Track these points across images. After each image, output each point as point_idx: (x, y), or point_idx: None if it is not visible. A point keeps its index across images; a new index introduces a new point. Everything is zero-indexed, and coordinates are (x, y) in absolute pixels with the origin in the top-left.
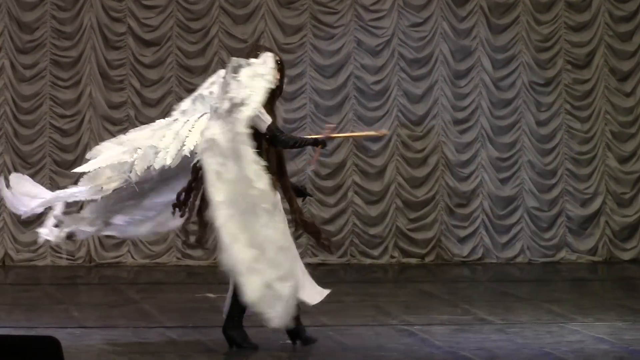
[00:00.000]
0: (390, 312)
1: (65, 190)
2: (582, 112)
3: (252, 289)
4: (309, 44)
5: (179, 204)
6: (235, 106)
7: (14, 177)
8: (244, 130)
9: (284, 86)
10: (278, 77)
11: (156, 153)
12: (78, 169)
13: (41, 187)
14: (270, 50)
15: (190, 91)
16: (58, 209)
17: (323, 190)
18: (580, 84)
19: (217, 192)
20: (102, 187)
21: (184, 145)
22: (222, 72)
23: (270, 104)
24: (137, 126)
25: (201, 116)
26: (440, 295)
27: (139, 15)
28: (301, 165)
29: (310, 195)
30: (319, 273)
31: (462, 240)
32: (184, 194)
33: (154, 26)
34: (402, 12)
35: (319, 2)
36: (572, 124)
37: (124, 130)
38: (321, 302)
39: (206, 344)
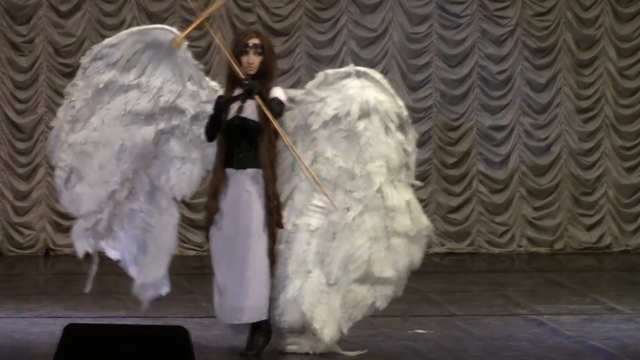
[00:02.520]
0: (518, 302)
1: None
2: None
3: None
4: (435, 34)
5: None
6: None
7: None
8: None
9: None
10: (251, 62)
11: None
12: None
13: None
14: (255, 33)
15: None
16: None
17: (448, 179)
18: None
19: None
20: None
21: None
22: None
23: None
24: None
25: None
26: (569, 284)
27: (268, 4)
28: None
29: None
30: (447, 262)
31: (589, 228)
32: None
33: (283, 16)
34: (526, 2)
35: None
36: None
37: None
38: (448, 292)
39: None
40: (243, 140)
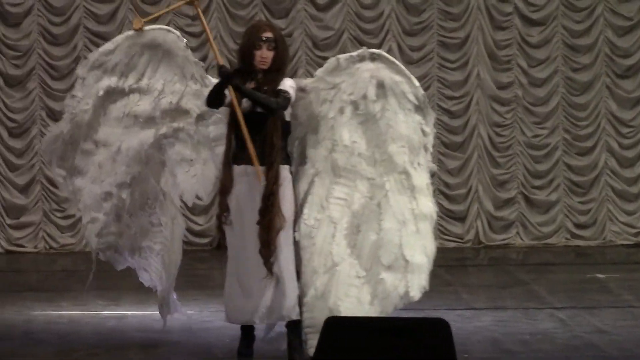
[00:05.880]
0: None
1: None
2: None
3: None
4: None
5: None
6: None
7: None
8: None
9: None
10: (264, 56)
11: None
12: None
13: None
14: (268, 25)
15: (575, 70)
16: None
17: None
18: None
19: None
20: None
21: None
22: None
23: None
24: (524, 106)
25: None
26: None
27: None
28: None
29: None
30: None
31: None
32: None
33: (540, 5)
34: None
35: None
36: None
37: (511, 112)
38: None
39: (596, 325)
40: (254, 135)
